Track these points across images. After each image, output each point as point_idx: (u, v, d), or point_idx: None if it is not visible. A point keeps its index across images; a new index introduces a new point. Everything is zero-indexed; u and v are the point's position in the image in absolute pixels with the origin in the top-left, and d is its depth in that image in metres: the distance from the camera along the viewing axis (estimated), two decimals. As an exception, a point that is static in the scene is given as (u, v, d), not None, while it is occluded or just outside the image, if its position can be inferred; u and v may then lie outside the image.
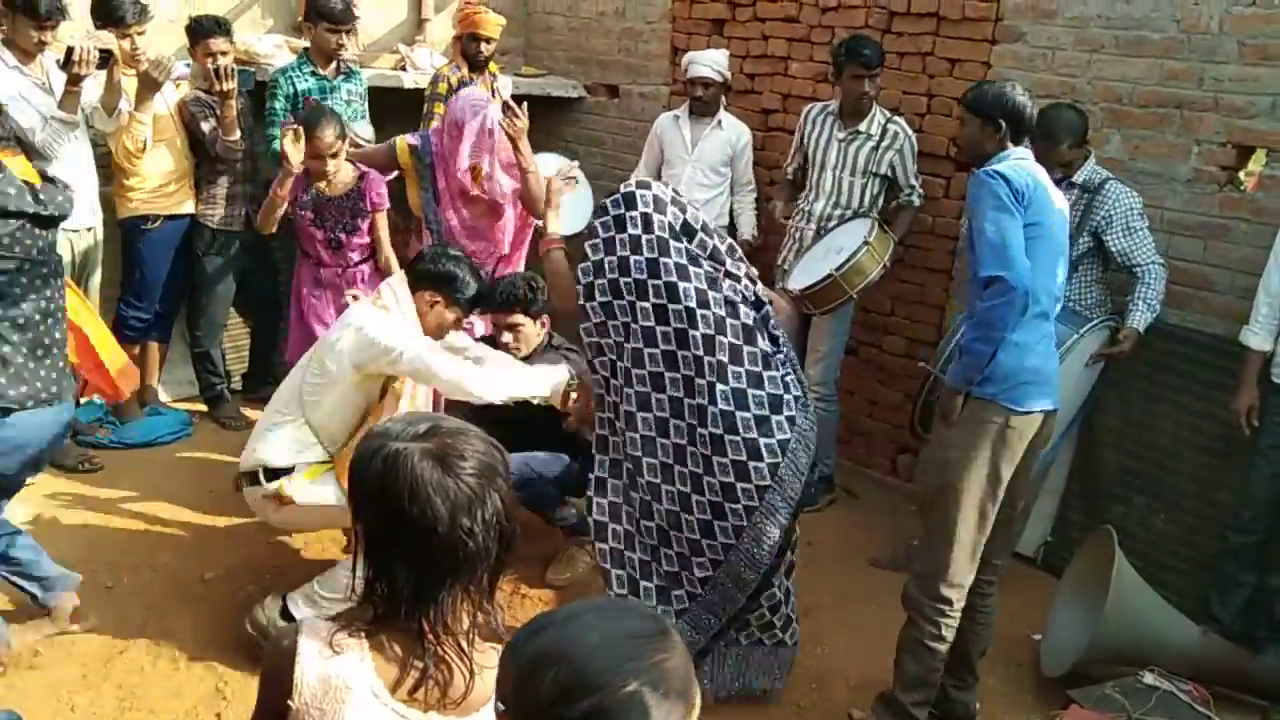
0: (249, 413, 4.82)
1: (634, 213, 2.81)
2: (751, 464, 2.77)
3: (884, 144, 4.21)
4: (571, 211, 5.23)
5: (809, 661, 3.47)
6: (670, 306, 2.76)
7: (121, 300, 4.59)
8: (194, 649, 3.22)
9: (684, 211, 2.90)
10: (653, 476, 2.89)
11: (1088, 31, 3.93)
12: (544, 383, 3.24)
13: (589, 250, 2.85)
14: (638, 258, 2.77)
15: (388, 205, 4.23)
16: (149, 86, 4.08)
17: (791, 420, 2.83)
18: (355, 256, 4.24)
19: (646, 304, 2.77)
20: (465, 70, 4.87)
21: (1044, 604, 3.66)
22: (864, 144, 4.23)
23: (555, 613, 1.09)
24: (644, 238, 2.78)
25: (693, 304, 2.75)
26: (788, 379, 2.88)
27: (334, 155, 3.99)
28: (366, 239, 4.24)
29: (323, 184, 4.11)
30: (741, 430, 2.75)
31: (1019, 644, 3.63)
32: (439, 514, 1.29)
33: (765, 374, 2.80)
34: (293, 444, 3.11)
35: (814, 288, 4.04)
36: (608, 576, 3.04)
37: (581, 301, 2.87)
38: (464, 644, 1.34)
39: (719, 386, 2.75)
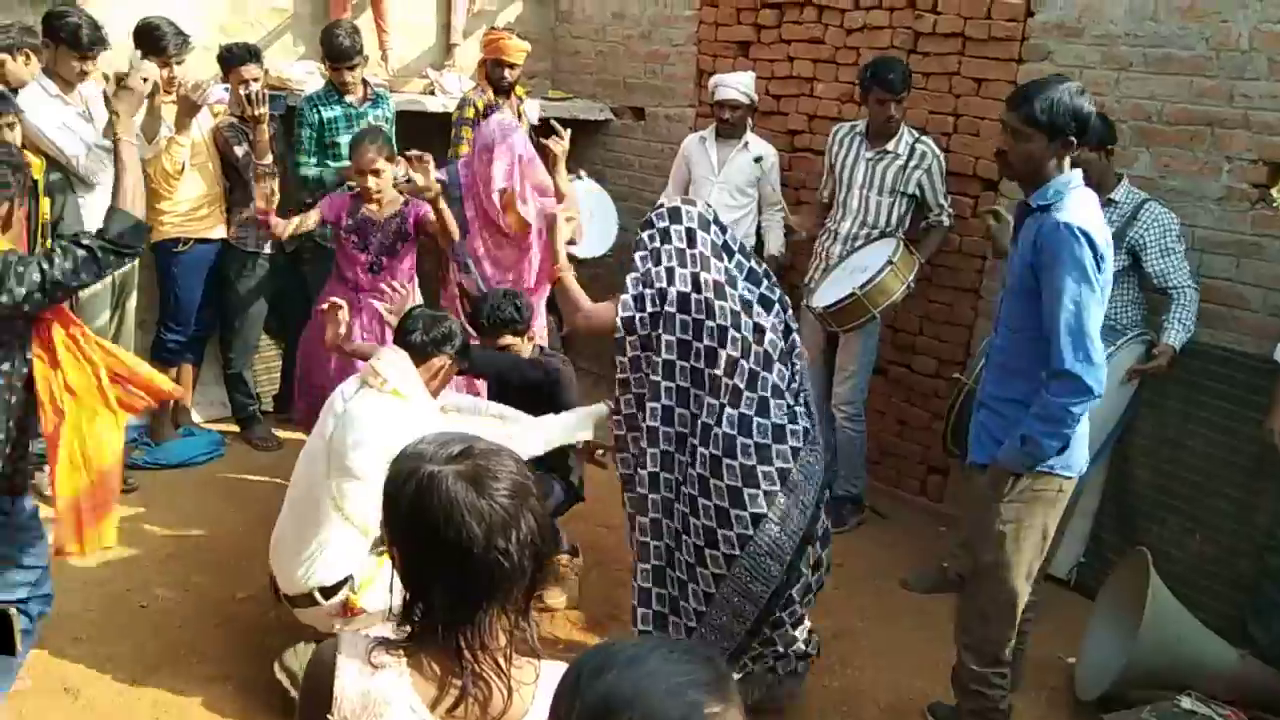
0: (281, 433, 4.87)
1: (679, 226, 2.84)
2: (747, 491, 2.75)
3: (912, 163, 4.21)
4: (598, 232, 5.28)
5: (838, 683, 3.45)
6: (706, 323, 2.76)
7: (160, 323, 4.68)
8: (229, 667, 3.25)
9: (724, 231, 2.92)
10: (667, 491, 2.89)
11: (1115, 49, 3.92)
12: (587, 425, 3.23)
13: (637, 261, 2.85)
14: (682, 270, 2.78)
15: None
16: (188, 110, 4.16)
17: (795, 452, 2.80)
18: (392, 277, 4.28)
19: (687, 318, 2.76)
20: (491, 94, 4.93)
21: (1078, 626, 3.61)
22: (891, 163, 4.24)
23: (616, 652, 1.08)
24: (688, 251, 2.79)
25: (726, 323, 2.75)
26: (796, 409, 2.85)
27: (376, 173, 4.05)
28: (406, 264, 4.32)
29: (372, 206, 4.20)
30: (740, 456, 2.74)
31: (1052, 667, 3.59)
32: (474, 535, 1.30)
33: (773, 401, 2.78)
34: (339, 556, 2.91)
35: (837, 306, 4.05)
36: (634, 613, 3.02)
37: (630, 313, 2.81)
38: (501, 661, 1.35)
39: (727, 410, 2.74)
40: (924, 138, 4.26)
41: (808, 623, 3.10)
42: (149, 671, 3.20)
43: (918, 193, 4.26)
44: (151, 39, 4.21)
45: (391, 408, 2.84)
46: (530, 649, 1.40)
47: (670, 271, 2.78)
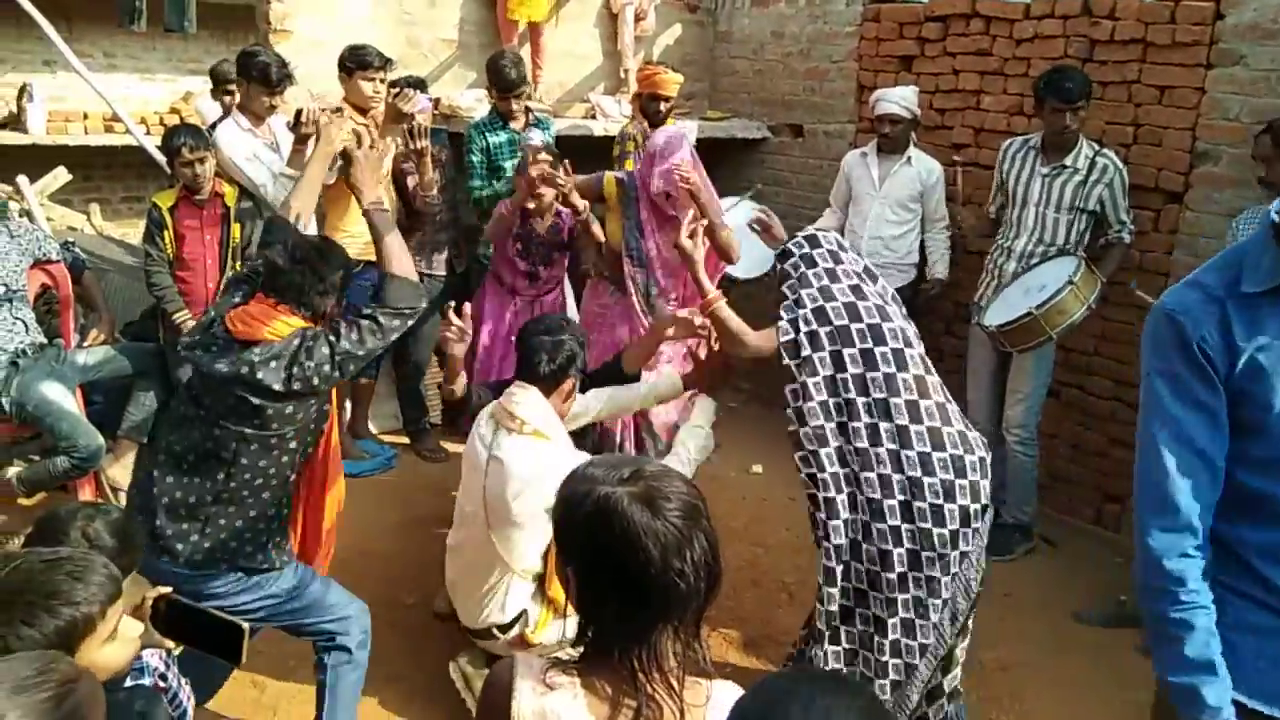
0: (449, 446, 5.06)
1: (820, 250, 2.74)
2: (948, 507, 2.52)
3: (1092, 178, 4.00)
4: (750, 254, 5.26)
5: (1009, 718, 3.31)
6: (877, 350, 2.58)
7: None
8: (399, 667, 3.39)
9: (862, 257, 2.84)
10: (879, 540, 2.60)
11: (1318, 51, 3.66)
12: (707, 418, 3.24)
13: (786, 291, 2.71)
14: (838, 285, 2.65)
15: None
16: (395, 118, 4.32)
17: (983, 462, 2.58)
18: (547, 287, 4.72)
19: (853, 349, 2.58)
20: (646, 126, 5.03)
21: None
22: (1070, 179, 4.05)
23: (795, 688, 1.08)
24: (838, 268, 2.70)
25: (899, 345, 2.59)
26: (970, 436, 2.62)
27: (541, 195, 4.31)
28: (557, 271, 4.69)
29: (536, 220, 4.52)
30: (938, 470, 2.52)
31: (1246, 713, 3.34)
32: (651, 557, 1.31)
33: (945, 430, 2.55)
34: (511, 599, 2.97)
35: (1011, 325, 3.89)
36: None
37: (789, 336, 2.64)
38: (674, 683, 1.36)
39: (945, 430, 2.53)
40: (1105, 150, 4.05)
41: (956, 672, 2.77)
42: (267, 660, 3.31)
43: (1098, 209, 4.04)
44: (357, 57, 4.48)
45: (539, 451, 2.85)
46: (701, 670, 1.40)
47: (825, 289, 2.64)
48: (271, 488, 2.58)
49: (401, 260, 2.69)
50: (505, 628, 3.00)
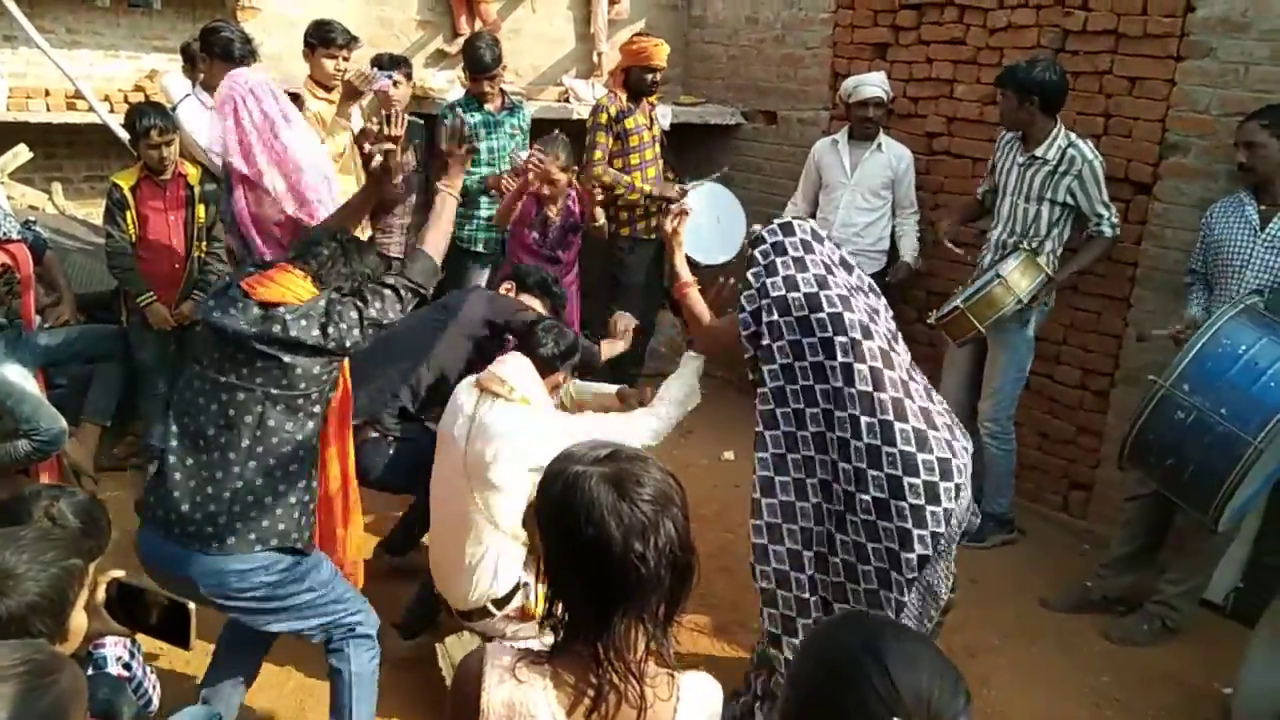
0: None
1: (793, 239, 2.71)
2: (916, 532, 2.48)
3: (1061, 169, 3.99)
4: (724, 237, 5.25)
5: (976, 703, 3.33)
6: (836, 340, 2.56)
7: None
8: (385, 650, 3.29)
9: (839, 248, 2.82)
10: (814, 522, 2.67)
11: (1286, 44, 3.69)
12: (695, 392, 3.24)
13: (751, 278, 2.71)
14: (804, 274, 2.63)
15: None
16: (350, 95, 4.27)
17: (959, 490, 2.52)
18: (565, 270, 4.66)
19: (813, 339, 2.58)
20: (623, 100, 4.99)
21: (1234, 655, 3.40)
22: (1040, 169, 4.04)
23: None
24: (807, 258, 2.67)
25: (857, 335, 2.57)
26: (954, 444, 2.59)
27: (555, 182, 4.37)
28: (573, 253, 4.72)
29: (550, 209, 4.57)
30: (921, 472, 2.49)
31: (1208, 697, 3.40)
32: (612, 536, 1.32)
33: (897, 425, 2.50)
34: (503, 566, 2.95)
35: (945, 317, 3.99)
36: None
37: (749, 329, 2.68)
38: (634, 671, 1.36)
39: (898, 425, 2.49)
40: (1078, 142, 4.00)
41: None
42: (292, 651, 3.23)
43: (1069, 200, 4.01)
44: (321, 32, 4.40)
45: (522, 416, 2.90)
46: (665, 662, 1.40)
47: (789, 279, 2.63)
48: (299, 458, 2.53)
49: (438, 243, 2.83)
50: (502, 602, 2.96)
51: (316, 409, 2.55)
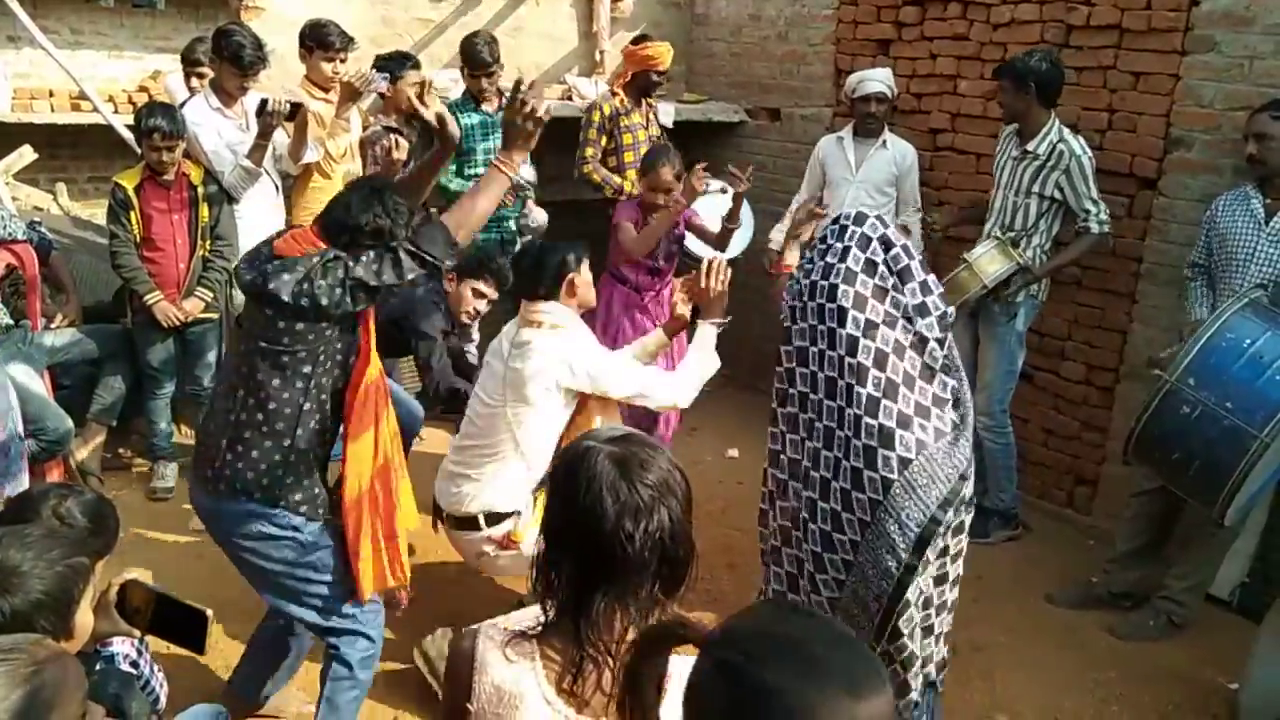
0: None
1: (853, 229, 2.74)
2: (882, 452, 2.54)
3: (1049, 164, 3.98)
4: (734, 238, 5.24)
5: (980, 698, 3.34)
6: (839, 331, 2.63)
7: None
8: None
9: (895, 245, 2.73)
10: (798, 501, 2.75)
11: (1291, 39, 3.68)
12: (713, 357, 3.34)
13: (799, 274, 2.81)
14: (843, 264, 2.65)
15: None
16: (349, 96, 4.27)
17: (921, 445, 2.55)
18: (665, 282, 4.49)
19: (823, 327, 2.68)
20: (621, 100, 5.00)
21: (1241, 650, 3.40)
22: (1030, 163, 4.05)
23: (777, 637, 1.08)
24: (854, 249, 2.70)
25: (857, 332, 2.61)
26: (899, 435, 2.58)
27: (669, 190, 4.20)
28: (673, 263, 4.56)
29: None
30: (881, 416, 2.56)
31: (1215, 693, 3.40)
32: (606, 512, 1.33)
33: (865, 420, 2.55)
34: (513, 485, 3.13)
35: None
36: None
37: (789, 322, 2.77)
38: (611, 650, 1.37)
39: (865, 420, 2.57)
40: (1069, 137, 3.99)
41: (941, 650, 2.77)
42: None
43: (1058, 195, 4.01)
44: (317, 35, 4.41)
45: (558, 340, 3.16)
46: None
47: (828, 267, 2.69)
48: (283, 415, 2.51)
49: (464, 219, 2.56)
50: (493, 518, 3.12)
51: (305, 369, 2.49)
